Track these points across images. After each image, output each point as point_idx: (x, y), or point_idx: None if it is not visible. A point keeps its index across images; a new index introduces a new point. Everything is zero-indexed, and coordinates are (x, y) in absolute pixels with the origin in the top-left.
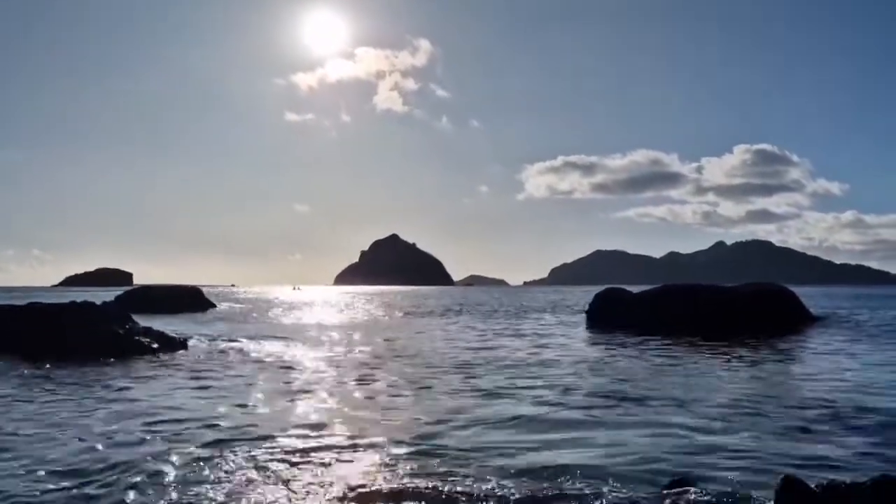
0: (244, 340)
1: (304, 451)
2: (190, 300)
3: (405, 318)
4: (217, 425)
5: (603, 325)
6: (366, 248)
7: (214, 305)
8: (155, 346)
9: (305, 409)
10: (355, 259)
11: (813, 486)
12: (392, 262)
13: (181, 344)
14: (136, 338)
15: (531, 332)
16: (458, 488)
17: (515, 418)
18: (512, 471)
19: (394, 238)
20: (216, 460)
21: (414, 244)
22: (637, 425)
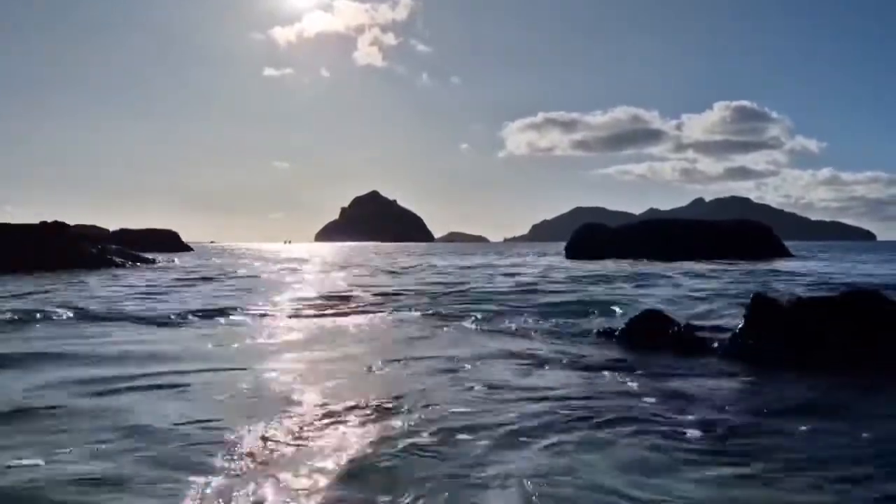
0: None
1: None
2: (169, 241)
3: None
4: None
5: (584, 256)
6: (346, 204)
7: (191, 249)
8: (129, 262)
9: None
10: (336, 216)
11: (783, 301)
12: (373, 218)
13: (151, 261)
14: (109, 257)
15: (517, 262)
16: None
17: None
18: None
19: (374, 195)
20: None
21: (394, 201)
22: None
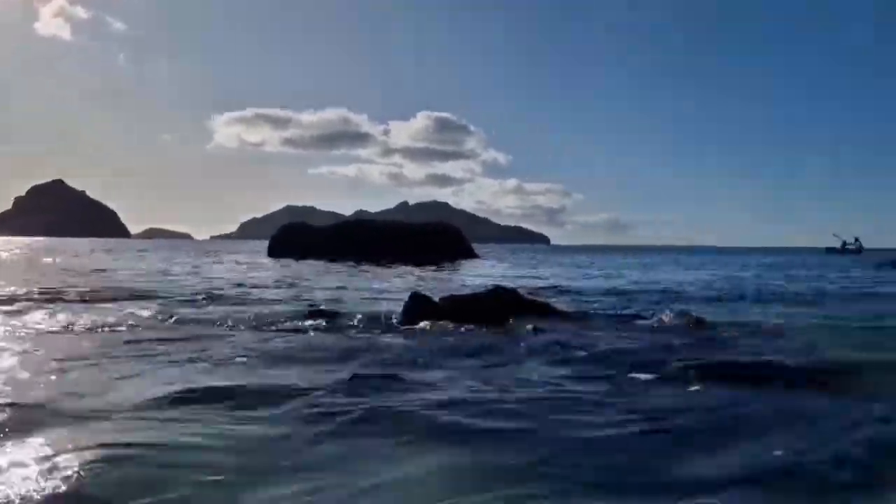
0: None
1: None
2: None
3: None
4: None
5: (287, 255)
6: (23, 193)
7: None
8: None
9: None
10: (7, 206)
11: (436, 299)
12: (56, 211)
13: None
14: None
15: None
16: None
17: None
18: None
19: (58, 184)
20: None
21: (83, 192)
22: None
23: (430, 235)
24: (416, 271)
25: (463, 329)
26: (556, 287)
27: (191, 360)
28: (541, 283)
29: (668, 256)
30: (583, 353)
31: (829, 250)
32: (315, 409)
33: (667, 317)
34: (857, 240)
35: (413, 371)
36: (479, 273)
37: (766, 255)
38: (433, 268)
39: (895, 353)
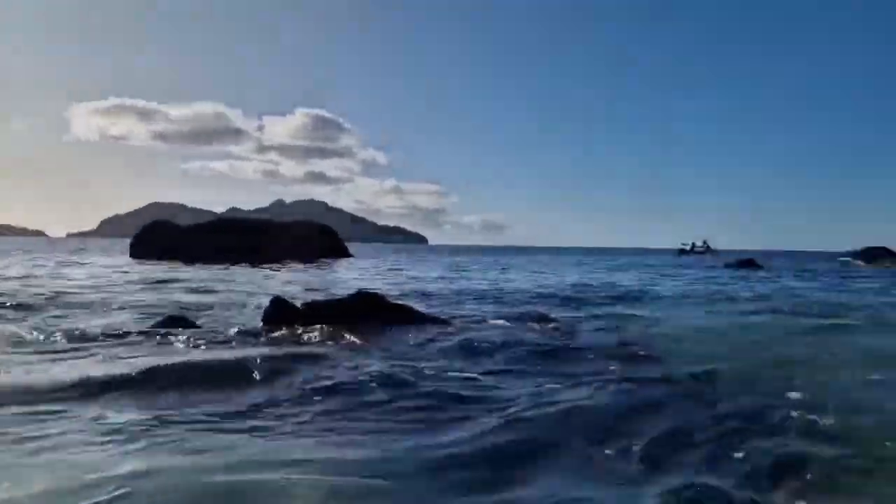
0: None
1: None
2: None
3: None
4: None
5: (151, 256)
6: None
7: None
8: None
9: None
10: None
11: (298, 304)
12: None
13: None
14: None
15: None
16: None
17: None
18: None
19: None
20: None
21: None
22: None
23: (304, 235)
24: (288, 272)
25: (317, 337)
26: (423, 291)
27: None
28: (411, 286)
29: (538, 257)
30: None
31: (681, 251)
32: None
33: (524, 318)
34: (704, 242)
35: (239, 394)
36: (351, 274)
37: (635, 255)
38: (305, 268)
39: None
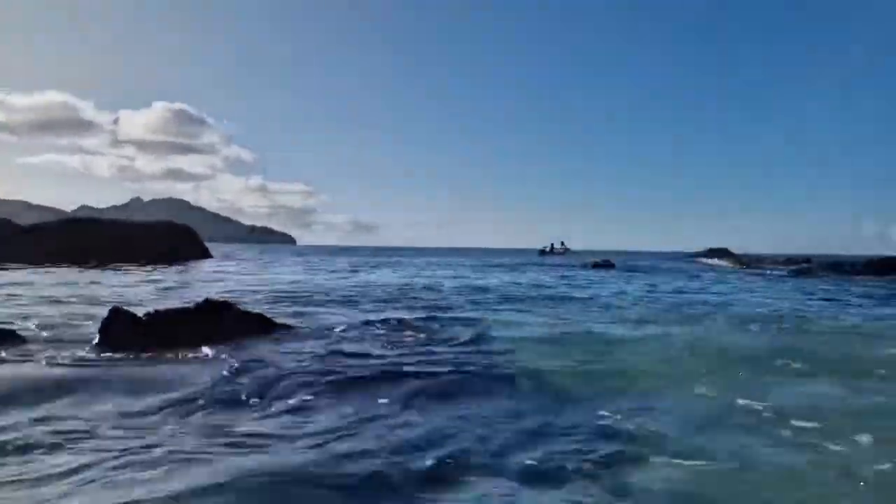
0: None
1: None
2: None
3: None
4: None
5: None
6: None
7: None
8: None
9: None
10: None
11: (141, 314)
12: None
13: None
14: None
15: None
16: None
17: None
18: None
19: None
20: None
21: None
22: None
23: (160, 235)
24: (141, 274)
25: (148, 354)
26: (283, 293)
27: None
28: (265, 290)
29: (407, 258)
30: (269, 371)
31: (541, 252)
32: None
33: (377, 324)
34: (562, 243)
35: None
36: (209, 277)
37: (505, 256)
38: (160, 270)
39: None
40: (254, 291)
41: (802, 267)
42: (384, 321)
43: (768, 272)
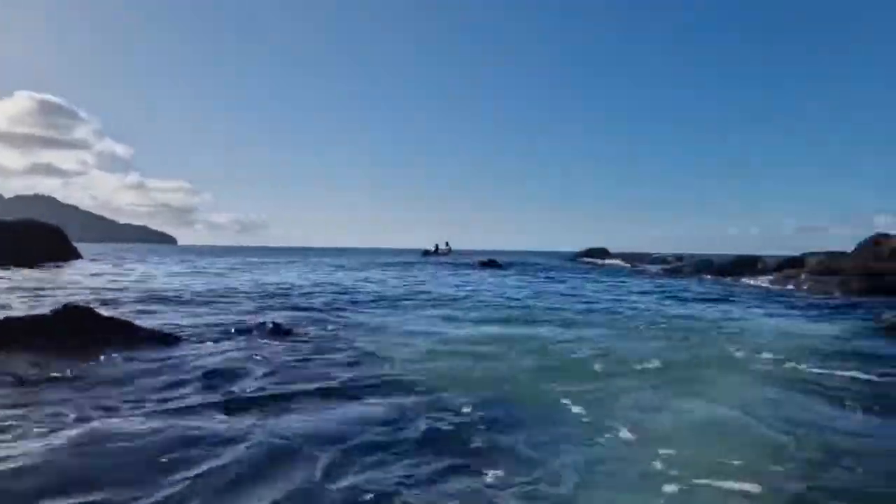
0: None
1: None
2: None
3: None
4: None
5: None
6: None
7: None
8: None
9: None
10: None
11: None
12: None
13: None
14: None
15: None
16: None
17: None
18: None
19: None
20: None
21: None
22: None
23: (22, 235)
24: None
25: None
26: (157, 296)
27: None
28: (143, 289)
29: (293, 257)
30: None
31: (426, 252)
32: None
33: (255, 330)
34: (447, 243)
35: None
36: (75, 280)
37: (391, 255)
38: (21, 273)
39: None
40: (127, 294)
41: (675, 266)
42: (267, 328)
43: (653, 269)
